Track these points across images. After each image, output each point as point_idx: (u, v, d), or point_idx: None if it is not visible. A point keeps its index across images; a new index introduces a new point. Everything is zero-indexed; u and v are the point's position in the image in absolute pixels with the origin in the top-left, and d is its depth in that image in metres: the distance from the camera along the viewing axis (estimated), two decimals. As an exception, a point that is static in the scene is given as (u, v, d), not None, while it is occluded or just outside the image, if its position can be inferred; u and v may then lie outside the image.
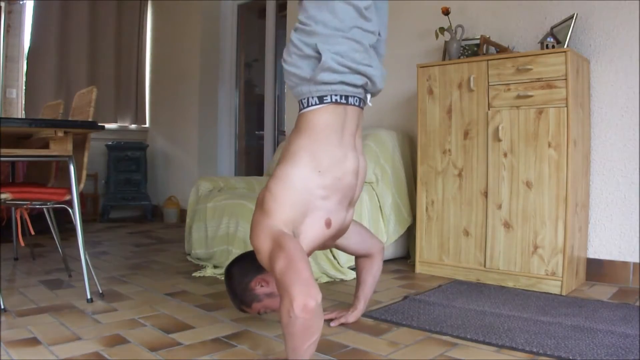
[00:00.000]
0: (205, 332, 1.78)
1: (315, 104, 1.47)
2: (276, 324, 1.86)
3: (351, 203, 1.62)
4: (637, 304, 2.12)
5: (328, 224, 1.51)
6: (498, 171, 2.47)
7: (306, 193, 1.46)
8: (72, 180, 2.13)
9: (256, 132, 4.87)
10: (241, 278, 1.66)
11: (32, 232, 2.32)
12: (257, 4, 4.72)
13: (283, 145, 1.52)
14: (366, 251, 1.88)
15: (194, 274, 2.68)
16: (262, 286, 1.66)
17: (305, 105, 1.50)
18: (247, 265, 1.67)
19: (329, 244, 1.72)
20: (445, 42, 2.84)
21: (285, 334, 1.28)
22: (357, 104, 1.54)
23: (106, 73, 5.05)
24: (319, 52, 1.44)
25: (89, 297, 2.12)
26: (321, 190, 1.48)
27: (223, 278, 2.57)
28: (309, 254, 1.53)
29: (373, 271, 1.91)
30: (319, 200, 1.48)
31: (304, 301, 1.22)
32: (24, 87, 4.59)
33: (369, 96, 1.59)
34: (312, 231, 1.49)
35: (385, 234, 2.88)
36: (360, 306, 1.90)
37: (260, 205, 1.47)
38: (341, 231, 1.66)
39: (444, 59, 2.90)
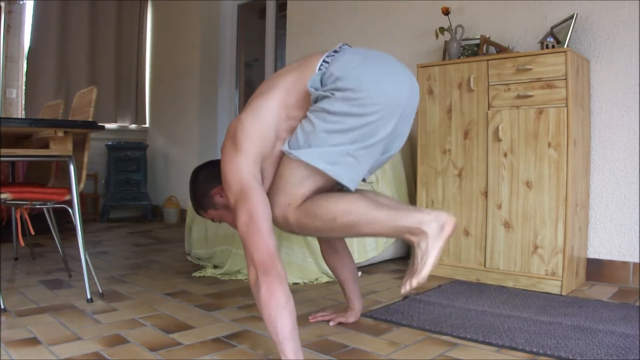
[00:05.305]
0: (205, 332, 1.78)
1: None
2: (276, 324, 1.86)
3: None
4: (637, 304, 2.12)
5: None
6: (498, 171, 2.47)
7: (274, 125, 1.51)
8: (72, 180, 2.13)
9: (256, 132, 4.86)
10: (205, 182, 1.72)
11: (32, 232, 2.32)
12: (257, 4, 4.72)
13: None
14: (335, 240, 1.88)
15: (194, 274, 2.68)
16: (221, 196, 1.70)
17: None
18: (214, 172, 1.70)
19: None
20: (445, 42, 2.84)
21: (258, 307, 1.34)
22: None
23: (106, 73, 5.05)
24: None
25: (89, 297, 2.12)
26: (286, 123, 1.53)
27: (222, 277, 2.59)
28: None
29: (347, 265, 1.87)
30: (285, 133, 1.54)
31: (263, 268, 1.31)
32: (24, 87, 4.59)
33: None
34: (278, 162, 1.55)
35: (385, 234, 2.87)
36: (356, 305, 1.89)
37: (232, 136, 1.51)
38: None
39: (444, 59, 2.90)
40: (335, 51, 1.57)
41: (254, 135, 1.48)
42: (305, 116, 1.51)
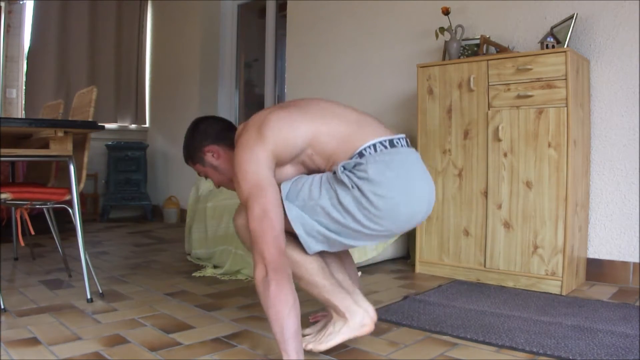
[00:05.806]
0: (205, 332, 1.78)
1: None
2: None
3: None
4: (637, 304, 2.12)
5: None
6: (498, 171, 2.47)
7: (300, 148, 1.48)
8: (72, 180, 2.13)
9: (256, 132, 4.85)
10: (202, 137, 1.68)
11: (32, 232, 2.32)
12: (257, 4, 4.72)
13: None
14: None
15: (194, 274, 2.68)
16: (213, 156, 1.68)
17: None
18: (212, 130, 1.69)
19: None
20: (445, 42, 2.84)
21: (263, 305, 1.33)
22: None
23: (106, 73, 5.05)
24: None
25: (89, 297, 2.12)
26: (303, 156, 1.50)
27: (222, 277, 2.59)
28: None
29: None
30: (298, 163, 1.52)
31: (274, 265, 1.31)
32: (24, 87, 4.59)
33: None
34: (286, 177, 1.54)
35: (385, 234, 2.87)
36: None
37: (259, 124, 1.47)
38: None
39: (444, 59, 2.90)
40: (392, 143, 1.49)
41: (281, 136, 1.45)
42: (323, 171, 1.50)
